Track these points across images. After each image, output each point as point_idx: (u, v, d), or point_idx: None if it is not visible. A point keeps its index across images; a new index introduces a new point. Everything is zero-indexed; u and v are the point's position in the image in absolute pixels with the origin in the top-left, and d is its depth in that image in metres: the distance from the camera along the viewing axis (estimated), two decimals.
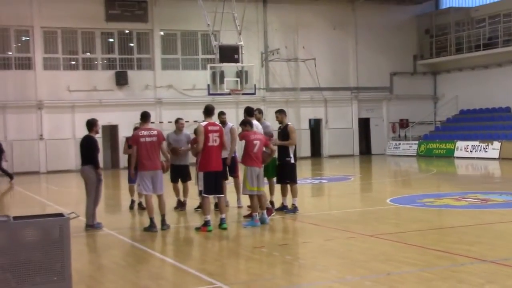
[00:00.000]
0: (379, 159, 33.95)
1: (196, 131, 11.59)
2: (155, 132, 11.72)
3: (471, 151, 30.85)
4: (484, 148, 30.18)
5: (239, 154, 13.23)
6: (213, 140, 11.44)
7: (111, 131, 32.08)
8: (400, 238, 9.95)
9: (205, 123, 11.54)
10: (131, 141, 11.90)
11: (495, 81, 34.39)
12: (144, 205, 12.87)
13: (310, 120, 36.48)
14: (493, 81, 34.55)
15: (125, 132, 31.36)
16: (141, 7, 32.58)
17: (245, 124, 12.23)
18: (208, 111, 11.77)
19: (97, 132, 12.28)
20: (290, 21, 35.38)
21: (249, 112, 13.05)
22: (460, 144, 31.70)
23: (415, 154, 34.29)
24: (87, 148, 12.06)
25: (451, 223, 11.59)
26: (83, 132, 12.81)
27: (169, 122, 29.06)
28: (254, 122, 12.73)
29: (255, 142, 11.90)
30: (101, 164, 12.57)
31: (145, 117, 11.95)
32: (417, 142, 35.07)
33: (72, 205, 17.27)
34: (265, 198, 12.34)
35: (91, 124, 12.18)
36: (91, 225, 11.99)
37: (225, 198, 12.57)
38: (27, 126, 30.66)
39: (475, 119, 34.71)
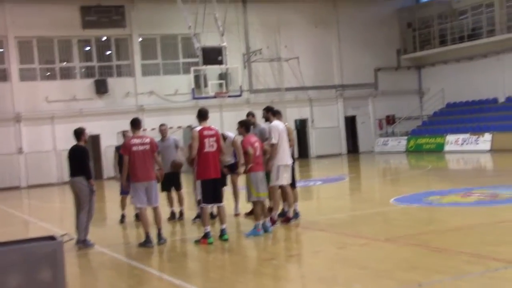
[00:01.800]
0: (368, 157, 33.37)
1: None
2: (147, 140, 10.94)
3: (461, 144, 30.35)
4: (475, 141, 29.69)
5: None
6: (210, 146, 10.67)
7: (93, 141, 31.00)
8: (418, 241, 9.25)
9: (199, 127, 10.77)
10: (122, 150, 11.08)
11: (481, 73, 33.96)
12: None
13: (296, 121, 35.78)
14: (478, 73, 34.12)
15: (107, 141, 30.58)
16: (118, 12, 31.67)
17: (242, 125, 11.48)
18: (202, 115, 10.98)
19: (85, 141, 11.46)
20: (271, 20, 34.68)
21: (274, 111, 12.24)
22: (450, 137, 31.19)
23: (404, 150, 33.74)
24: (78, 158, 11.24)
25: (467, 222, 10.87)
26: (64, 143, 12.08)
27: (152, 129, 28.06)
28: (263, 125, 11.99)
29: (256, 145, 11.16)
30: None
31: (135, 124, 11.15)
32: (405, 138, 34.54)
33: (57, 221, 16.46)
34: (266, 205, 11.59)
35: (79, 133, 11.37)
36: (83, 241, 11.14)
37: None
38: (5, 139, 29.55)
39: (463, 112, 34.24)
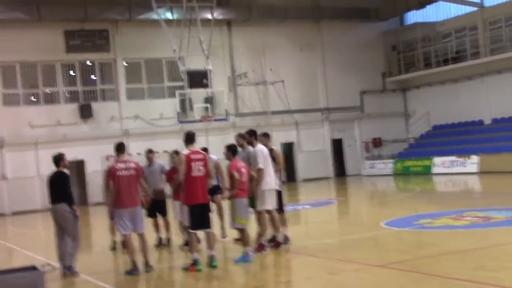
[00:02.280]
0: (355, 180, 33.18)
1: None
2: (132, 165, 10.67)
3: (449, 167, 30.26)
4: (462, 163, 29.61)
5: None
6: (197, 170, 10.41)
7: (78, 166, 30.66)
8: (414, 267, 9.00)
9: (186, 151, 10.52)
10: (107, 176, 10.78)
11: (466, 95, 34.04)
12: None
13: (282, 144, 35.53)
14: (463, 95, 34.20)
15: (92, 166, 30.20)
16: (102, 37, 31.48)
17: (229, 149, 11.25)
18: (189, 138, 10.74)
19: (65, 167, 11.14)
20: (256, 43, 34.64)
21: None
22: (437, 160, 31.10)
23: (391, 173, 33.60)
24: (60, 184, 10.92)
25: (462, 246, 10.61)
26: (48, 169, 11.67)
27: (138, 154, 27.77)
28: (251, 148, 11.72)
29: (242, 170, 10.92)
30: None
31: (120, 148, 10.89)
32: (392, 160, 34.43)
33: (42, 249, 16.03)
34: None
35: (58, 159, 11.07)
36: (69, 267, 10.75)
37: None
38: None
39: (449, 134, 34.23)
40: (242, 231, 10.89)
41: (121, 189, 10.43)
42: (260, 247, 11.32)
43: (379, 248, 11.02)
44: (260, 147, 11.64)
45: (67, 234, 10.85)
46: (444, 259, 9.42)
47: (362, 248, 11.31)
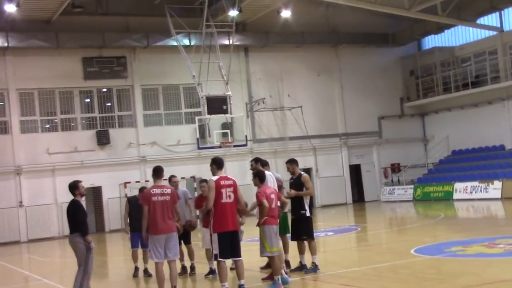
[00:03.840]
0: (374, 206, 32.69)
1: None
2: (168, 191, 10.39)
3: (471, 193, 29.73)
4: (484, 189, 29.08)
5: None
6: (227, 196, 10.09)
7: (94, 193, 30.45)
8: None
9: (216, 177, 10.21)
10: (141, 200, 10.48)
11: (486, 119, 33.62)
12: (150, 272, 11.41)
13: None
14: (484, 119, 33.78)
15: (109, 193, 29.99)
16: (120, 63, 31.42)
17: (255, 176, 11.01)
18: (218, 164, 10.44)
19: (82, 195, 10.73)
20: (273, 69, 34.49)
21: (262, 162, 11.87)
22: (459, 185, 30.58)
23: (411, 199, 33.07)
24: (72, 214, 10.59)
25: (501, 275, 10.13)
26: (65, 196, 11.40)
27: None
28: (268, 173, 11.48)
29: (272, 197, 10.63)
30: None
31: (157, 172, 10.60)
32: (412, 186, 33.92)
33: (58, 277, 15.77)
34: (283, 257, 10.98)
35: (72, 187, 10.68)
36: None
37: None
38: (6, 193, 28.88)
39: (469, 159, 33.75)
40: (272, 259, 10.55)
41: (156, 214, 10.13)
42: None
43: (414, 277, 10.59)
44: (268, 173, 11.60)
45: (78, 264, 10.52)
46: None
47: (398, 277, 10.89)
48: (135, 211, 13.22)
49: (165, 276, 10.21)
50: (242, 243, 10.53)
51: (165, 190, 10.36)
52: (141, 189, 13.72)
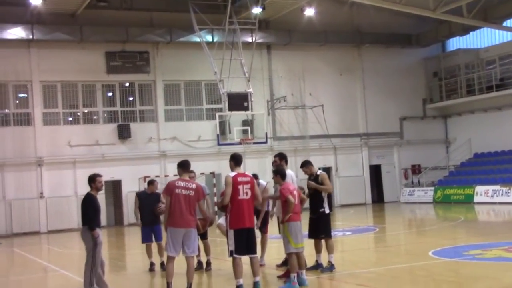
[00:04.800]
0: (394, 207, 32.49)
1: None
2: (193, 186, 10.27)
3: (492, 196, 29.43)
4: (506, 193, 28.76)
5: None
6: (244, 193, 10.08)
7: (114, 186, 30.63)
8: None
9: (233, 173, 10.20)
10: (164, 191, 10.34)
11: (509, 123, 33.20)
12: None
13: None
14: (507, 123, 33.37)
15: (129, 187, 30.10)
16: (142, 58, 31.54)
17: (277, 173, 10.98)
18: (236, 160, 10.42)
19: (98, 189, 10.75)
20: (295, 67, 34.39)
21: (286, 158, 11.82)
22: (480, 188, 30.27)
23: (431, 201, 32.80)
24: (83, 207, 10.68)
25: None
26: (85, 188, 11.40)
27: (174, 175, 27.59)
28: (288, 172, 11.43)
29: (294, 193, 10.62)
30: (103, 223, 11.00)
31: (184, 166, 10.45)
32: (432, 188, 33.64)
33: (76, 268, 15.81)
34: (304, 258, 10.95)
35: (90, 180, 10.77)
36: None
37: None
38: (27, 184, 29.15)
39: (491, 163, 33.41)
40: (290, 256, 10.48)
41: (175, 207, 10.07)
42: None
43: (432, 280, 10.50)
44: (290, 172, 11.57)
45: (86, 257, 10.55)
46: None
47: (415, 279, 10.82)
48: (145, 205, 13.32)
49: (174, 271, 10.08)
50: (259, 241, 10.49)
51: (190, 185, 10.25)
52: (150, 182, 13.82)
